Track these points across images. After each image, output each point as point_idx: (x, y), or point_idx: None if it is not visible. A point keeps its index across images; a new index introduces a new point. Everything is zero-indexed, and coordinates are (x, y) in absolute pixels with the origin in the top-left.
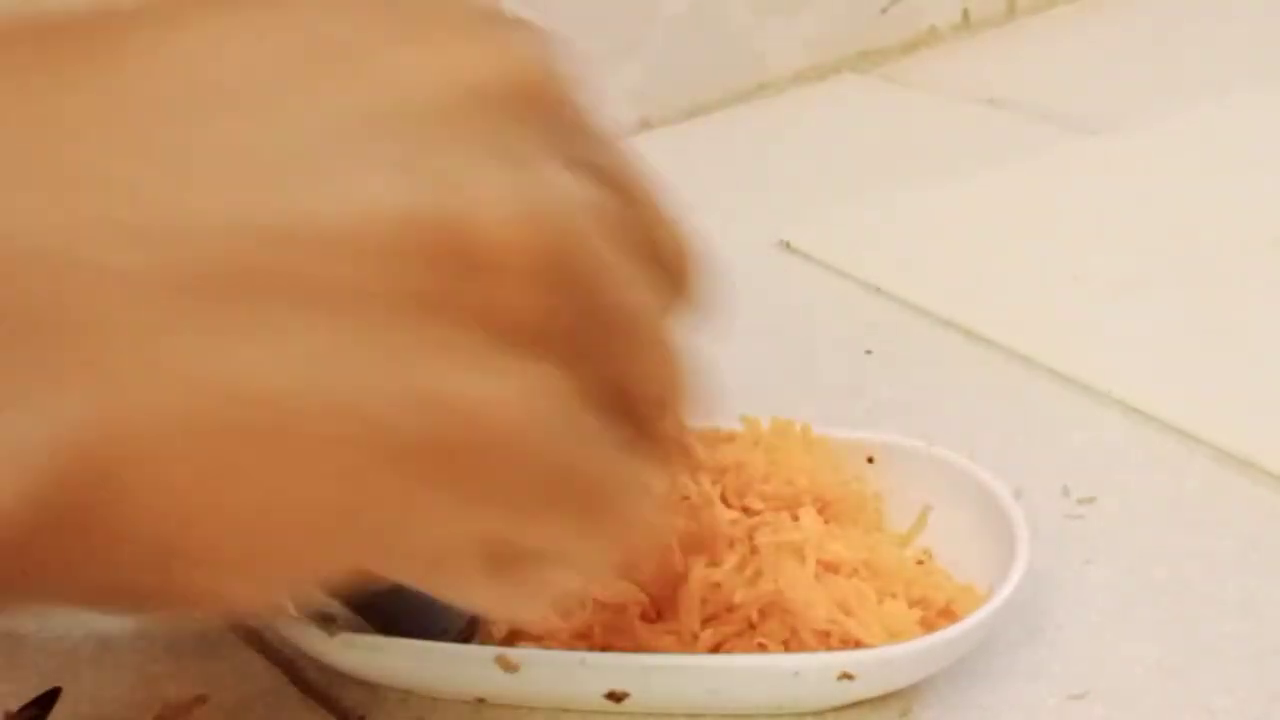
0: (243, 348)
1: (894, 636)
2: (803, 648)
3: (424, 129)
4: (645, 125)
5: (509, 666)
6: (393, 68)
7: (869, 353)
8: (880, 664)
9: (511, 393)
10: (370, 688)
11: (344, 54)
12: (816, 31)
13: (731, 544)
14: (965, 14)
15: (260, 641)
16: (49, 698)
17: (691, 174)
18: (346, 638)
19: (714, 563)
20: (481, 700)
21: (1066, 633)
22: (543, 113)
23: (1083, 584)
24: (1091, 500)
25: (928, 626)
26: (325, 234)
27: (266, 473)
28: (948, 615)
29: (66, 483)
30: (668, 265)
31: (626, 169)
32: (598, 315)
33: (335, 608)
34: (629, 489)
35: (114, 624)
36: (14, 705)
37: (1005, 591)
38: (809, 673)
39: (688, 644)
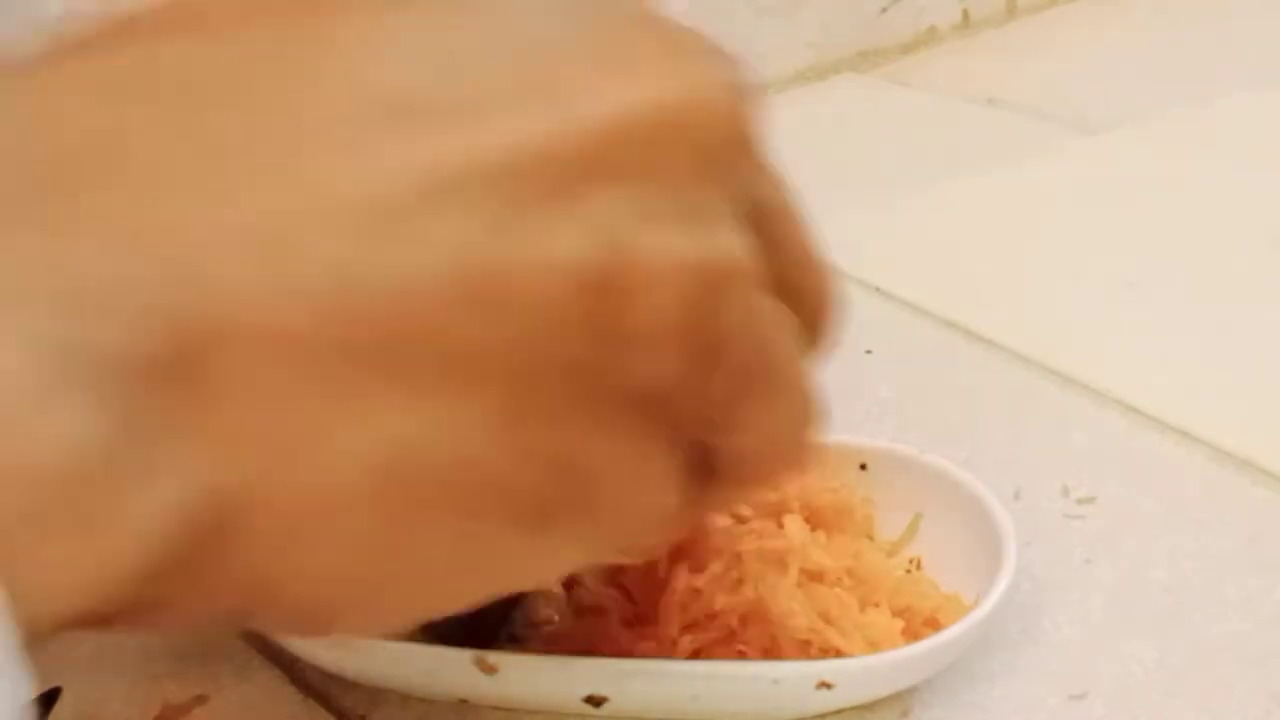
0: (397, 419)
1: (875, 646)
2: (783, 656)
3: (599, 173)
4: None
5: (488, 669)
6: (575, 97)
7: (869, 353)
8: (860, 673)
9: (631, 459)
10: (370, 687)
11: (523, 73)
12: (816, 31)
13: (719, 551)
14: (965, 14)
15: (260, 641)
16: (49, 698)
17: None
18: (329, 637)
19: (697, 569)
20: (464, 701)
21: (1066, 633)
22: (727, 156)
23: (1083, 584)
24: (1091, 500)
25: (912, 636)
26: (493, 293)
27: (406, 539)
28: (932, 625)
29: (188, 544)
30: (808, 316)
31: (788, 206)
32: (736, 381)
33: None
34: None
35: None
36: None
37: (990, 602)
38: (789, 680)
39: (667, 649)
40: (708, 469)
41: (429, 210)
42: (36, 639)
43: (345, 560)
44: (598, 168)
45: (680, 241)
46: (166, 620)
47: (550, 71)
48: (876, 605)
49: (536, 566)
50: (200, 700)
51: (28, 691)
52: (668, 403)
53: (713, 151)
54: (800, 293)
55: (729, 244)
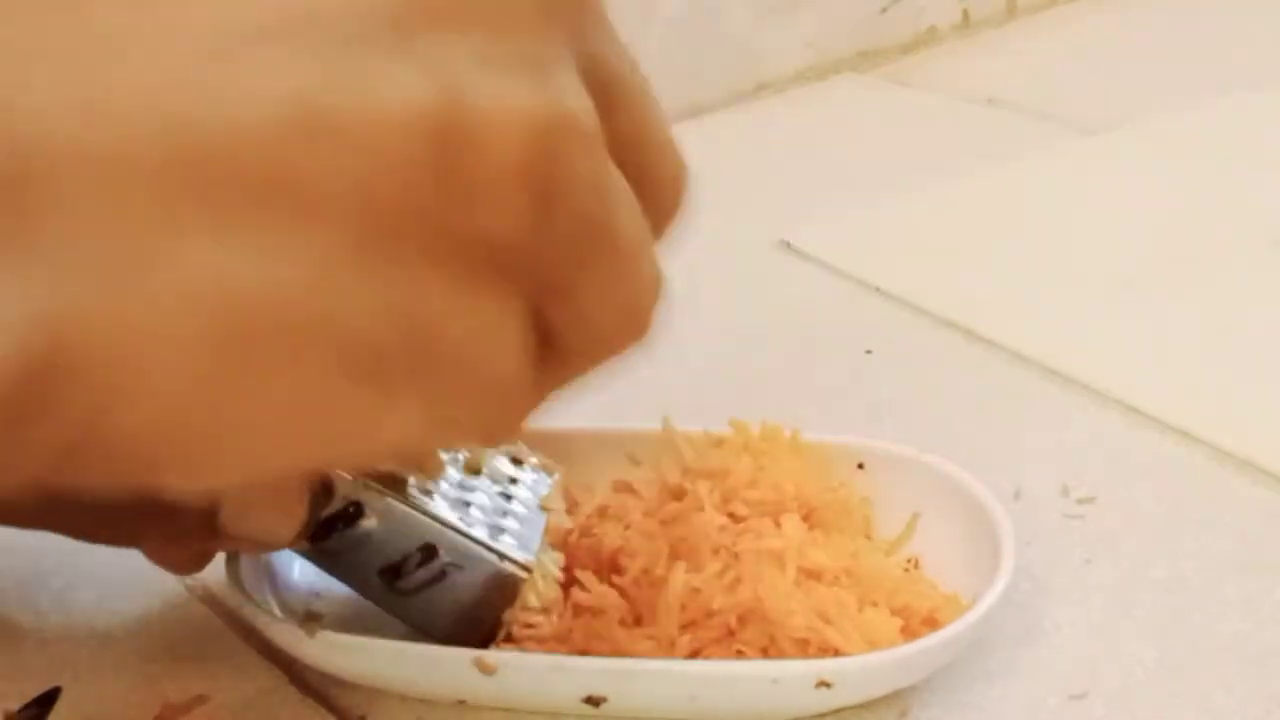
0: (229, 251)
1: (873, 645)
2: (781, 655)
3: (441, 18)
4: None
5: (487, 669)
6: None
7: (869, 353)
8: (859, 672)
9: (471, 314)
10: (369, 688)
11: None
12: (816, 31)
13: (717, 551)
14: (965, 14)
15: (260, 641)
16: (49, 698)
17: (691, 174)
18: (326, 637)
19: (695, 569)
20: (462, 702)
21: (1066, 633)
22: (568, 16)
23: (1083, 584)
24: (1091, 500)
25: (910, 635)
26: (329, 129)
27: (238, 378)
28: (930, 624)
29: (32, 365)
30: (655, 183)
31: (630, 72)
32: (578, 236)
33: (320, 606)
34: (521, 400)
35: (114, 624)
36: (14, 705)
37: (988, 601)
38: (787, 679)
39: (665, 649)
40: (549, 345)
41: (264, 48)
42: None
43: (175, 400)
44: (436, 15)
45: (521, 89)
46: (11, 472)
47: None
48: (875, 605)
49: (374, 426)
50: (200, 700)
51: None
52: (509, 258)
53: (558, 9)
54: (644, 169)
55: (571, 96)
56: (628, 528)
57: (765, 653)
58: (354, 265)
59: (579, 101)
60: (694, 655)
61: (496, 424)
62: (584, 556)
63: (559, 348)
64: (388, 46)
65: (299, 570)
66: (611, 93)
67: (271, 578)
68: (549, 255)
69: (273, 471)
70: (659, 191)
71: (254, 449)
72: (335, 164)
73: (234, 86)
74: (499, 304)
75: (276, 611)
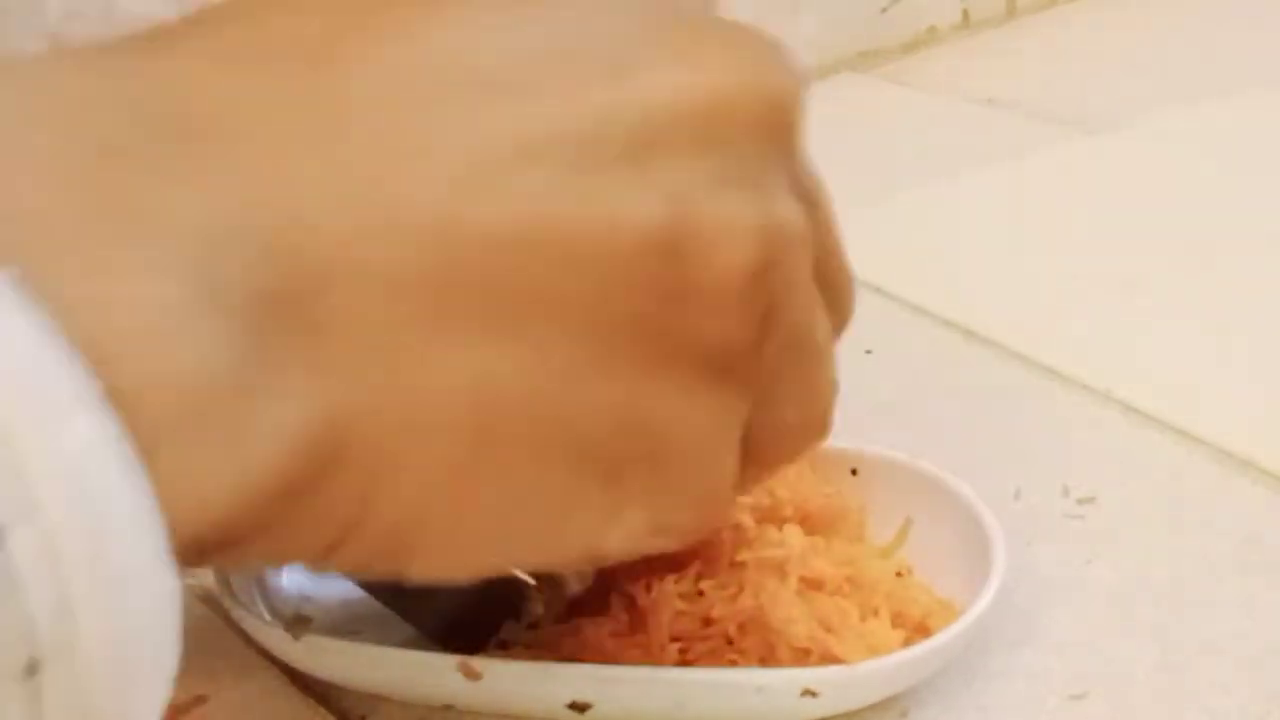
0: (486, 355)
1: (876, 654)
2: (781, 665)
3: (671, 143)
4: None
5: (471, 674)
6: (648, 75)
7: (869, 353)
8: (845, 681)
9: (701, 420)
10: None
11: (600, 55)
12: (816, 31)
13: (716, 560)
14: (965, 14)
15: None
16: None
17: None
18: (311, 641)
19: (694, 577)
20: (449, 707)
21: (1066, 633)
22: (781, 137)
23: (1083, 584)
24: (1091, 500)
25: (906, 644)
26: (569, 245)
27: (489, 470)
28: (923, 631)
29: (309, 463)
30: (837, 292)
31: (821, 194)
32: (789, 343)
33: (309, 610)
34: (728, 505)
35: None
36: None
37: (978, 608)
38: (772, 688)
39: (655, 656)
40: (744, 447)
41: (514, 169)
42: (180, 552)
43: (432, 491)
44: (668, 138)
45: (745, 207)
46: (268, 548)
47: (623, 57)
48: (876, 613)
49: (602, 523)
50: (200, 700)
51: (178, 595)
52: (732, 364)
53: (774, 131)
54: (828, 281)
55: (789, 213)
56: None
57: (764, 662)
58: (590, 373)
59: (796, 215)
60: (686, 663)
61: (700, 528)
62: None
63: (753, 453)
64: (623, 170)
65: (288, 573)
66: (811, 214)
67: (260, 581)
68: (764, 361)
69: (507, 563)
70: (840, 300)
71: (494, 540)
72: (574, 279)
73: (488, 205)
74: (722, 409)
75: (265, 614)
